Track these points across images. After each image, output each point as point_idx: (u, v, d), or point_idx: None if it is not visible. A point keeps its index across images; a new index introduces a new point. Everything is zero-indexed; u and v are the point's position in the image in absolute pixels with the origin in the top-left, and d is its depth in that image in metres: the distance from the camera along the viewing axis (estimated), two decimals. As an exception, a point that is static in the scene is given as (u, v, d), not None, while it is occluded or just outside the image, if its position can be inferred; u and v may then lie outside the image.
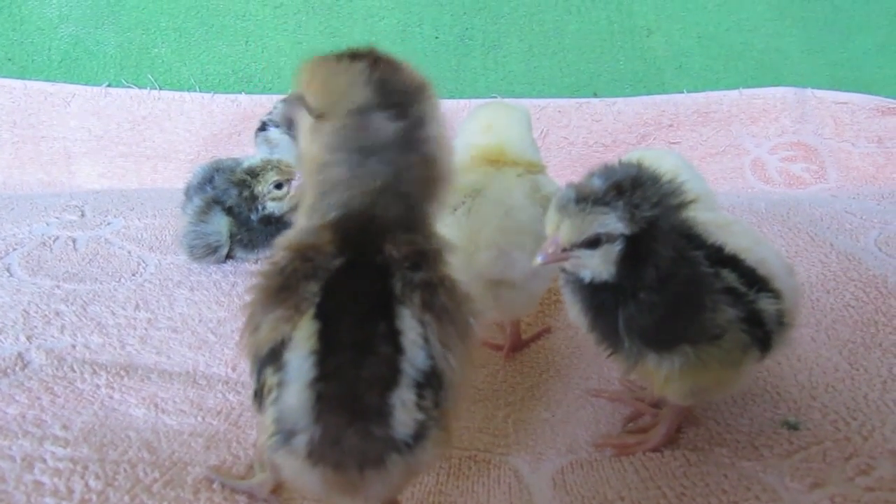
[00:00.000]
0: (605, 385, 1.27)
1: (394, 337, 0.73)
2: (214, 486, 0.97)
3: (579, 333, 1.43)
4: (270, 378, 0.74)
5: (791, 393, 1.21)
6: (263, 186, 1.63)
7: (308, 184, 0.81)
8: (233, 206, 1.65)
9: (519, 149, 1.32)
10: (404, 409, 0.71)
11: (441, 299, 0.75)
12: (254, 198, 1.64)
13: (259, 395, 0.76)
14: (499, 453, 1.09)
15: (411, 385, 0.72)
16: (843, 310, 1.46)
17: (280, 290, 0.76)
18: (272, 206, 1.63)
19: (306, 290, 0.75)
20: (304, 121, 0.82)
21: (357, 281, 0.76)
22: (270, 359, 0.75)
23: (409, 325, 0.73)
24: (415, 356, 0.73)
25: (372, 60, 0.79)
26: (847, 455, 1.03)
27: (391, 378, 0.71)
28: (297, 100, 0.82)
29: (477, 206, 1.21)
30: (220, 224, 1.64)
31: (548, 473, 1.04)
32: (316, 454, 0.71)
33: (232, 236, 1.66)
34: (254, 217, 1.65)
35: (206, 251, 1.64)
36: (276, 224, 1.63)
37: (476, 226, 1.18)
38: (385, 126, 0.77)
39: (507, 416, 1.19)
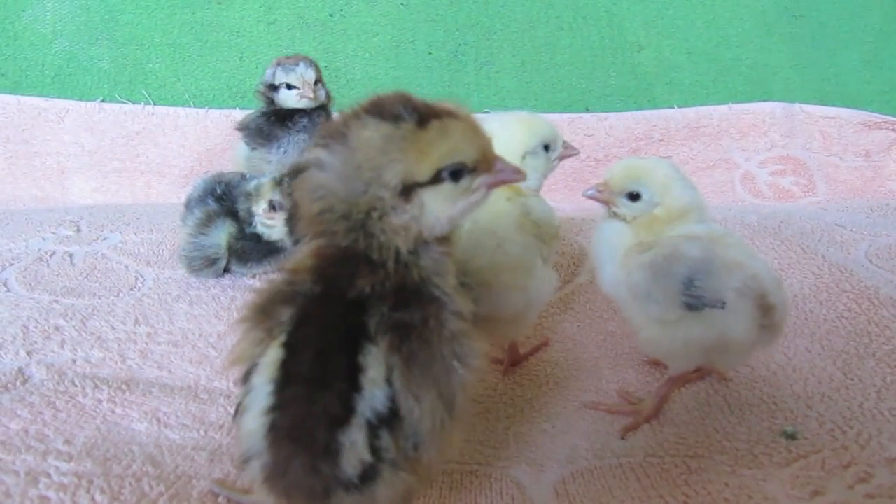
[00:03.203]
0: (602, 397, 1.28)
1: (353, 374, 0.71)
2: (220, 499, 0.97)
3: (577, 346, 1.45)
4: (244, 399, 0.76)
5: (787, 403, 1.22)
6: (257, 206, 1.63)
7: None
8: (240, 213, 1.65)
9: None
10: (352, 449, 0.70)
11: (412, 344, 0.73)
12: (250, 213, 1.65)
13: (236, 414, 0.77)
14: (500, 466, 1.09)
15: (363, 425, 0.71)
16: (837, 321, 1.48)
17: (259, 312, 0.77)
18: (261, 228, 1.64)
19: (281, 314, 0.76)
20: None
21: (330, 313, 0.75)
22: (244, 380, 0.76)
23: (373, 364, 0.72)
24: (373, 396, 0.71)
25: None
26: (845, 463, 1.05)
27: (343, 416, 0.70)
28: None
29: (467, 233, 1.14)
30: (220, 237, 1.64)
31: (550, 484, 1.05)
32: (269, 482, 0.72)
33: (230, 249, 1.66)
34: (248, 230, 1.66)
35: (203, 263, 1.65)
36: (265, 243, 1.65)
37: (465, 255, 1.10)
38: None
39: (507, 428, 1.19)
